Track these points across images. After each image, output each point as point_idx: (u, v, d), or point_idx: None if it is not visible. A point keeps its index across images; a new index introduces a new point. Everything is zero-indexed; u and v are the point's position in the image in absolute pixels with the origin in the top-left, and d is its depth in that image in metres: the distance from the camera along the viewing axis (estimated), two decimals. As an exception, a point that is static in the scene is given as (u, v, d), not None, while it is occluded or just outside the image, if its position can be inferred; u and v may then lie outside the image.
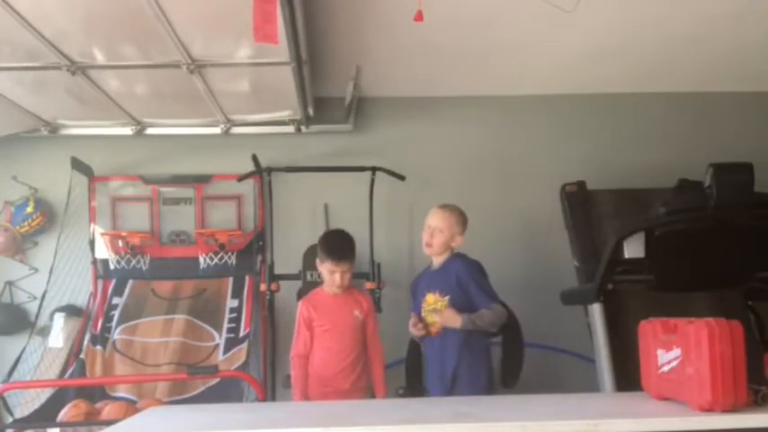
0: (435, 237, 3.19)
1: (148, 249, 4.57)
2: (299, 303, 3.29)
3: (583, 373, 3.99)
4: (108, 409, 3.43)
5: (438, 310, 3.12)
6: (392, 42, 3.87)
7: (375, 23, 3.63)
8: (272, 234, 4.56)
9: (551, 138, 4.76)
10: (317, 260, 3.25)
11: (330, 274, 3.17)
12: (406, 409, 2.37)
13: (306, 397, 3.16)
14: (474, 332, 3.09)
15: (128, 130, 4.60)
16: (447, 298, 3.11)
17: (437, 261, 3.26)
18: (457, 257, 3.23)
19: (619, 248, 3.34)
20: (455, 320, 3.04)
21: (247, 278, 4.49)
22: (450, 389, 3.08)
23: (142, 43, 3.29)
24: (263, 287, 4.21)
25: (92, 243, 4.54)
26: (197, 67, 3.52)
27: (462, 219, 3.24)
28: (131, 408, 3.41)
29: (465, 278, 3.13)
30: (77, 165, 4.39)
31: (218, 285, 4.48)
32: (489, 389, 3.14)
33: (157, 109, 4.33)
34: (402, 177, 4.36)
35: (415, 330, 3.20)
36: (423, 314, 3.22)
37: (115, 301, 4.39)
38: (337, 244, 3.24)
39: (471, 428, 1.99)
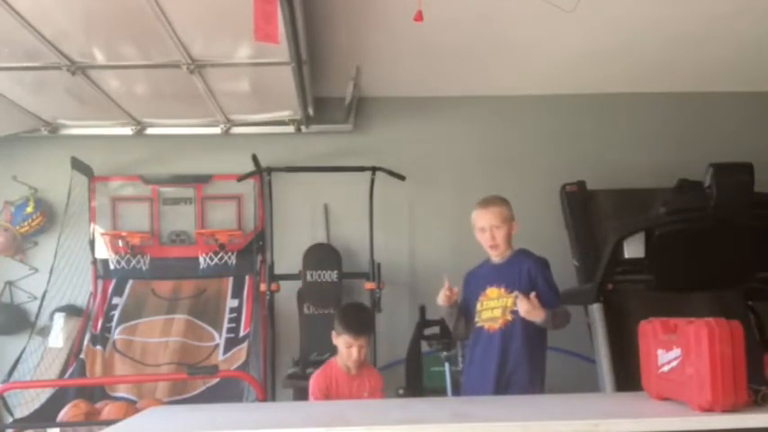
0: (497, 235, 3.04)
1: (148, 249, 4.57)
2: (313, 377, 3.10)
3: (583, 373, 3.99)
4: (108, 409, 3.43)
5: (501, 308, 2.98)
6: (392, 42, 3.87)
7: (375, 23, 3.63)
8: (272, 234, 4.56)
9: (551, 138, 4.76)
10: (333, 333, 3.09)
11: (347, 348, 3.01)
12: (406, 409, 2.37)
13: None
14: (539, 333, 2.98)
15: (128, 130, 4.60)
16: (515, 294, 2.95)
17: (499, 257, 3.09)
18: (523, 252, 3.11)
19: (619, 248, 3.34)
20: (539, 313, 2.86)
21: (247, 278, 4.49)
22: (504, 391, 2.92)
23: (142, 43, 3.29)
24: (263, 287, 4.21)
25: (92, 243, 4.54)
26: (197, 67, 3.52)
27: (508, 204, 3.13)
28: (131, 408, 3.41)
29: (535, 274, 3.01)
30: (77, 165, 4.39)
31: (218, 285, 4.48)
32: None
33: (157, 109, 4.33)
34: (402, 177, 4.36)
35: (445, 299, 3.01)
36: (479, 308, 3.05)
37: (115, 301, 4.39)
38: (356, 317, 3.12)
39: (471, 428, 1.99)
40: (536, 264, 3.04)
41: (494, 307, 3.00)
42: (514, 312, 2.94)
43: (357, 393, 3.04)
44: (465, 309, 3.15)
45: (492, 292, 3.02)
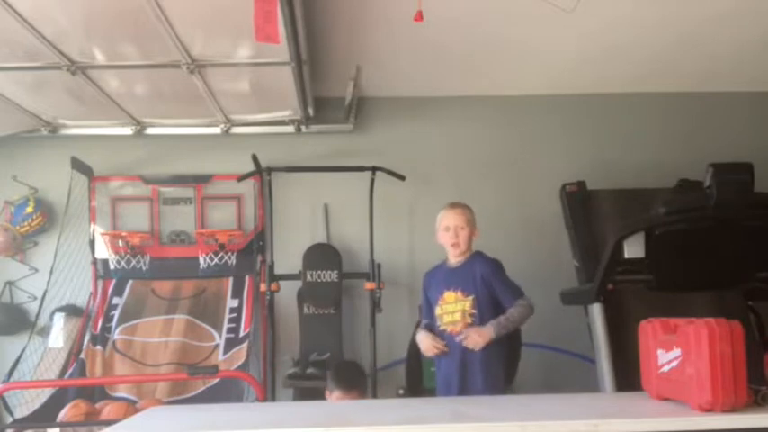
0: (459, 234, 3.18)
1: (148, 249, 4.57)
2: None
3: (583, 373, 3.99)
4: (108, 409, 3.43)
5: (460, 311, 3.10)
6: (392, 42, 3.87)
7: (375, 23, 3.63)
8: (272, 234, 4.56)
9: (551, 138, 4.76)
10: (326, 391, 3.12)
11: (338, 400, 3.03)
12: (406, 409, 2.37)
13: None
14: (496, 345, 3.06)
15: (128, 130, 4.60)
16: (471, 297, 3.08)
17: (456, 259, 3.23)
18: (477, 255, 3.23)
19: (619, 248, 3.33)
20: (486, 335, 3.00)
21: (247, 278, 4.49)
22: (466, 392, 3.03)
23: (142, 43, 3.28)
24: (263, 287, 4.21)
25: (92, 243, 4.54)
26: (197, 67, 3.52)
27: (472, 211, 3.30)
28: (131, 408, 3.41)
29: (489, 276, 3.13)
30: (77, 165, 4.39)
31: (218, 285, 4.48)
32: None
33: (157, 109, 4.33)
34: (402, 177, 4.36)
35: (433, 351, 3.14)
36: (438, 312, 3.18)
37: (115, 301, 4.39)
38: (348, 372, 3.17)
39: (471, 428, 1.99)
40: (488, 266, 3.17)
41: (453, 311, 3.13)
42: (473, 315, 3.08)
43: None
44: (428, 310, 3.29)
45: (449, 296, 3.14)
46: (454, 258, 3.24)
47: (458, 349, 3.09)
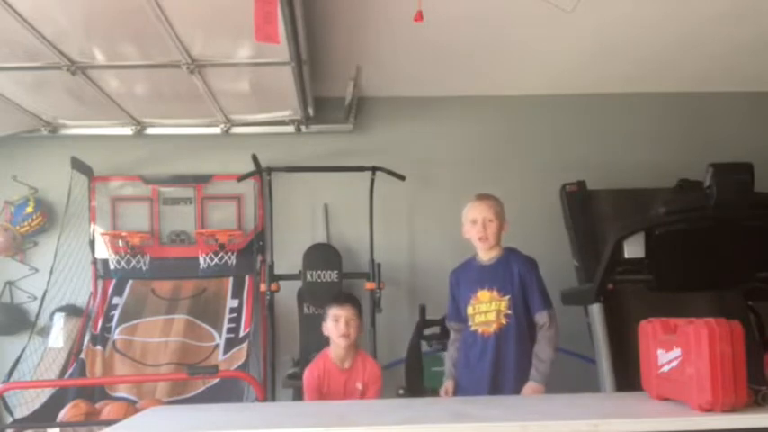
0: (488, 227, 3.03)
1: (148, 249, 4.57)
2: (306, 371, 3.10)
3: (583, 373, 3.98)
4: (108, 409, 3.43)
5: (495, 311, 3.00)
6: (392, 42, 3.87)
7: (375, 23, 3.63)
8: (272, 234, 4.56)
9: (551, 138, 4.76)
10: (323, 325, 3.14)
11: (335, 321, 3.04)
12: (406, 409, 2.37)
13: None
14: (531, 335, 3.02)
15: (128, 130, 4.61)
16: (507, 297, 2.98)
17: (488, 255, 3.09)
18: (513, 252, 3.11)
19: (619, 248, 3.33)
20: (540, 390, 2.94)
21: (247, 278, 4.49)
22: (497, 392, 2.97)
23: (142, 43, 3.28)
24: (263, 287, 4.21)
25: (92, 243, 4.54)
26: (197, 67, 3.52)
27: (502, 204, 3.15)
28: (131, 408, 3.40)
29: (526, 276, 3.02)
30: (77, 165, 4.39)
31: (218, 285, 4.48)
32: None
33: (157, 109, 4.33)
34: (402, 177, 4.36)
35: (446, 395, 3.08)
36: (471, 312, 3.06)
37: (115, 301, 4.39)
38: (342, 294, 3.27)
39: (471, 428, 2.00)
40: (526, 265, 3.06)
41: (487, 311, 3.02)
42: (508, 315, 2.98)
43: (350, 386, 3.05)
44: (455, 310, 3.17)
45: (483, 295, 3.03)
46: (485, 254, 3.10)
47: (491, 349, 2.99)
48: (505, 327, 2.98)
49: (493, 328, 3.00)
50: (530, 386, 2.94)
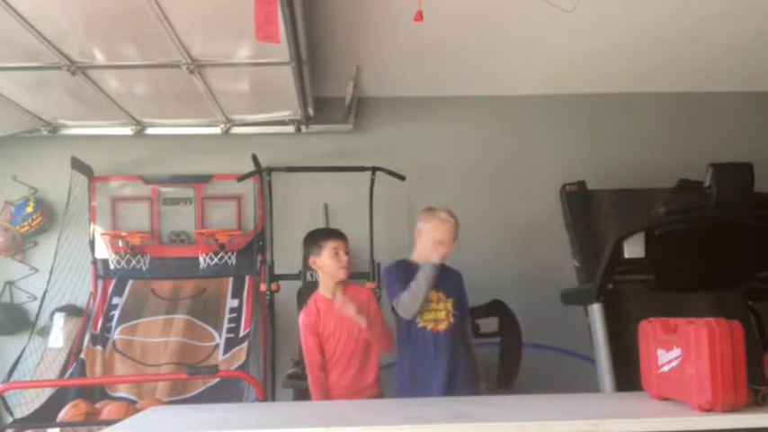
0: (451, 249, 3.16)
1: (148, 249, 4.57)
2: (300, 317, 3.18)
3: (583, 373, 3.99)
4: (108, 409, 3.43)
5: (444, 311, 3.16)
6: (392, 42, 3.87)
7: (375, 23, 3.63)
8: (272, 234, 4.56)
9: (551, 138, 4.76)
10: (311, 257, 3.17)
11: (335, 254, 3.10)
12: (406, 409, 2.37)
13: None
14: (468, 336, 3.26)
15: (128, 130, 4.61)
16: (452, 299, 3.16)
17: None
18: (449, 267, 3.26)
19: (619, 248, 3.33)
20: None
21: (247, 278, 4.49)
22: (452, 387, 3.08)
23: (142, 43, 3.28)
24: (263, 287, 4.21)
25: (92, 243, 4.54)
26: (197, 67, 3.52)
27: None
28: (131, 408, 3.40)
29: (460, 286, 3.28)
30: (77, 165, 4.39)
31: (218, 285, 4.48)
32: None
33: (157, 109, 4.33)
34: (402, 177, 4.36)
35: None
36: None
37: (115, 301, 4.39)
38: (330, 227, 3.31)
39: (471, 428, 1.99)
40: (460, 278, 3.30)
41: (437, 309, 3.16)
42: (455, 316, 3.16)
43: (346, 317, 3.07)
44: (405, 283, 3.16)
45: (432, 294, 3.14)
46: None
47: (446, 344, 3.12)
48: (453, 326, 3.15)
49: (443, 326, 3.14)
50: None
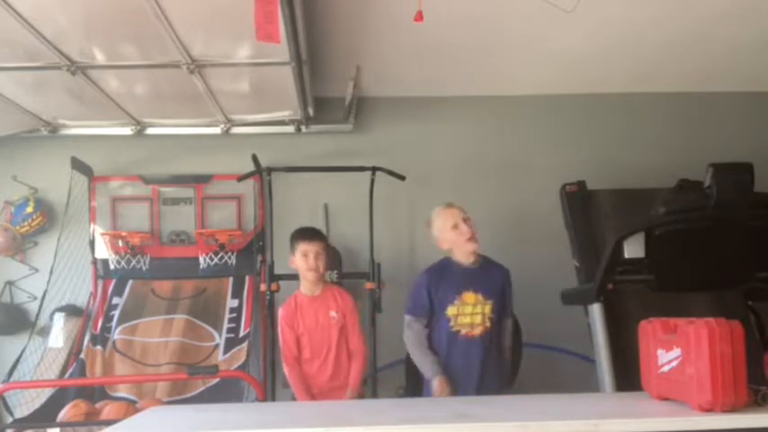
0: (472, 227, 3.11)
1: (148, 249, 4.57)
2: (279, 311, 3.28)
3: (583, 373, 3.99)
4: (108, 409, 3.43)
5: (481, 314, 3.09)
6: (392, 42, 3.87)
7: (375, 23, 3.63)
8: (272, 234, 4.56)
9: (551, 138, 4.76)
10: (290, 258, 3.25)
11: (303, 256, 3.17)
12: (406, 409, 2.37)
13: (310, 397, 3.14)
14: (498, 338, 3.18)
15: (128, 130, 4.61)
16: (491, 302, 3.08)
17: (470, 258, 3.16)
18: (489, 260, 3.22)
19: (619, 248, 3.33)
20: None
21: (247, 278, 4.50)
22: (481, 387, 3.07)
23: (142, 43, 3.29)
24: (263, 287, 4.20)
25: (92, 243, 4.54)
26: (197, 67, 3.52)
27: None
28: (131, 408, 3.41)
29: (506, 285, 3.20)
30: (77, 165, 4.39)
31: (218, 285, 4.48)
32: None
33: (157, 109, 4.33)
34: (402, 177, 4.36)
35: (441, 394, 3.04)
36: (454, 312, 3.10)
37: (115, 301, 4.39)
38: (307, 228, 3.32)
39: (471, 428, 1.99)
40: (506, 274, 3.23)
41: (473, 313, 3.09)
42: (492, 320, 3.09)
43: (322, 314, 3.16)
44: (426, 306, 3.17)
45: (469, 297, 3.10)
46: (469, 257, 3.15)
47: (478, 351, 3.07)
48: (489, 331, 3.09)
49: (478, 330, 3.08)
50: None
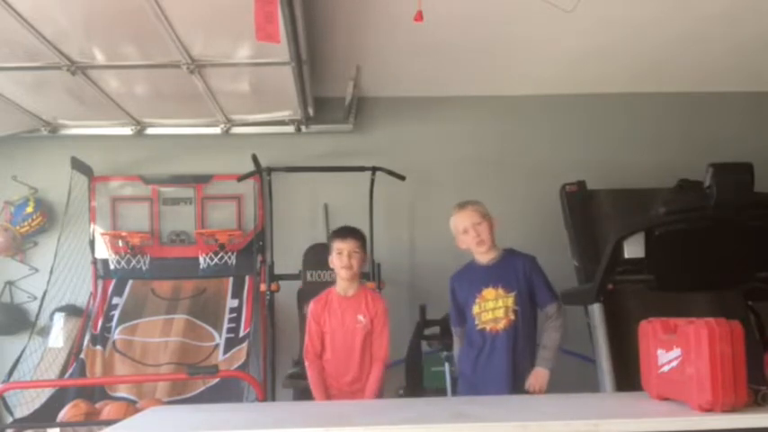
0: (480, 231, 3.11)
1: (148, 249, 4.57)
2: (311, 302, 3.25)
3: (583, 373, 3.98)
4: (108, 409, 3.43)
5: (503, 308, 3.06)
6: (392, 42, 3.87)
7: (375, 23, 3.63)
8: (272, 234, 4.56)
9: (551, 138, 4.76)
10: (329, 258, 3.22)
11: (338, 254, 3.13)
12: (406, 409, 2.37)
13: (326, 396, 3.13)
14: (535, 329, 3.13)
15: (128, 130, 4.61)
16: (514, 294, 3.05)
17: (487, 257, 3.15)
18: (511, 252, 3.19)
19: (619, 248, 3.33)
20: (543, 376, 3.04)
21: (247, 278, 4.49)
22: (518, 390, 3.02)
23: (142, 43, 3.29)
24: (263, 287, 4.21)
25: (92, 243, 4.55)
26: (197, 67, 3.53)
27: (483, 205, 3.23)
28: (131, 408, 3.41)
29: (531, 272, 3.12)
30: (77, 165, 4.39)
31: (218, 285, 4.48)
32: None
33: (157, 109, 4.33)
34: (402, 177, 4.36)
35: None
36: (476, 310, 3.10)
37: (115, 301, 4.39)
38: (345, 226, 3.28)
39: (471, 428, 1.99)
40: (529, 261, 3.15)
41: (494, 308, 3.06)
42: (516, 311, 3.04)
43: (349, 316, 3.12)
44: (458, 315, 3.20)
45: (489, 293, 3.08)
46: (484, 256, 3.16)
47: (502, 346, 3.04)
48: (514, 323, 3.04)
49: (502, 324, 3.05)
50: (536, 372, 3.02)
